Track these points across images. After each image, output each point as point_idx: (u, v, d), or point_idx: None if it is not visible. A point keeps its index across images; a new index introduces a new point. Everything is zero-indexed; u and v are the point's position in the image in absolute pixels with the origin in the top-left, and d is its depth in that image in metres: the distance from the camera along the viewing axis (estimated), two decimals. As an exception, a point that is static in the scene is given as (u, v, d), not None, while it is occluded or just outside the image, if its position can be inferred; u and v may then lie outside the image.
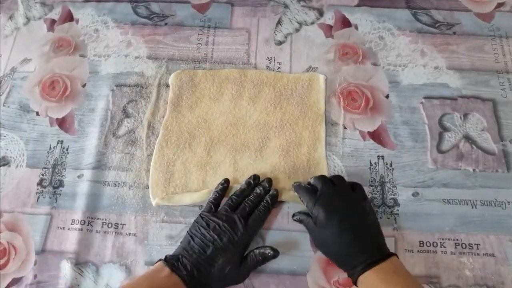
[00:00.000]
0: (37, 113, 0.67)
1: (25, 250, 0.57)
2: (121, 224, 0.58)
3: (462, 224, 0.56)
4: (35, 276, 0.55)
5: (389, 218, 0.57)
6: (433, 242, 0.55)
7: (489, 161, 0.61)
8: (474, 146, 0.62)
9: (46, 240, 0.58)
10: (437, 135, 0.63)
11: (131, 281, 0.50)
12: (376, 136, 0.63)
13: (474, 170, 0.60)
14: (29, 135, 0.66)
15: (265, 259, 0.51)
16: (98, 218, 0.59)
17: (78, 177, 0.62)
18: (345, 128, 0.64)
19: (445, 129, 0.63)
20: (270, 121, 0.64)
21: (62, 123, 0.66)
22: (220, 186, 0.57)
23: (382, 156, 0.61)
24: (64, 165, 0.63)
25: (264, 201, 0.55)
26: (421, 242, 0.55)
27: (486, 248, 0.55)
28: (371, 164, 0.61)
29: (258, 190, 0.56)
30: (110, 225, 0.58)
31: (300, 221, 0.53)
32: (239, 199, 0.55)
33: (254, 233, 0.53)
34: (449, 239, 0.56)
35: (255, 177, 0.57)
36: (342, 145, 0.62)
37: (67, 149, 0.64)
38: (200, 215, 0.53)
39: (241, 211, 0.53)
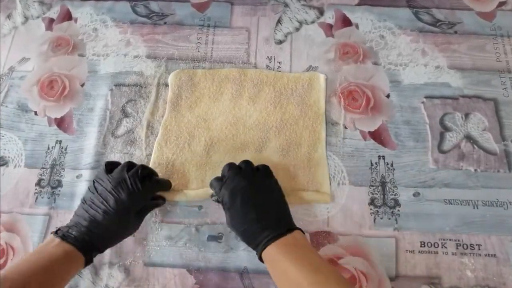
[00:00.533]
0: (36, 113, 0.67)
1: (23, 251, 0.57)
2: (120, 224, 0.58)
3: (463, 225, 0.56)
4: (34, 277, 0.55)
5: (390, 219, 0.57)
6: (434, 243, 0.55)
7: (491, 161, 0.60)
8: (475, 146, 0.61)
9: (44, 240, 0.57)
10: (438, 135, 0.62)
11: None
12: (377, 136, 0.63)
13: (475, 170, 0.60)
14: (27, 135, 0.65)
15: (157, 206, 0.56)
16: (97, 219, 0.58)
17: (77, 177, 0.61)
18: (345, 127, 0.63)
19: (446, 129, 0.63)
20: (270, 121, 0.63)
21: (60, 123, 0.66)
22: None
23: (383, 156, 0.61)
24: (62, 165, 0.62)
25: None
26: (422, 243, 0.55)
27: (488, 248, 0.55)
28: (371, 164, 0.61)
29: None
30: (109, 225, 0.58)
31: (218, 202, 0.54)
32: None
33: (148, 193, 0.53)
34: (450, 240, 0.55)
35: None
36: (342, 145, 0.62)
37: (65, 149, 0.64)
38: (93, 180, 0.52)
39: (133, 173, 0.51)
